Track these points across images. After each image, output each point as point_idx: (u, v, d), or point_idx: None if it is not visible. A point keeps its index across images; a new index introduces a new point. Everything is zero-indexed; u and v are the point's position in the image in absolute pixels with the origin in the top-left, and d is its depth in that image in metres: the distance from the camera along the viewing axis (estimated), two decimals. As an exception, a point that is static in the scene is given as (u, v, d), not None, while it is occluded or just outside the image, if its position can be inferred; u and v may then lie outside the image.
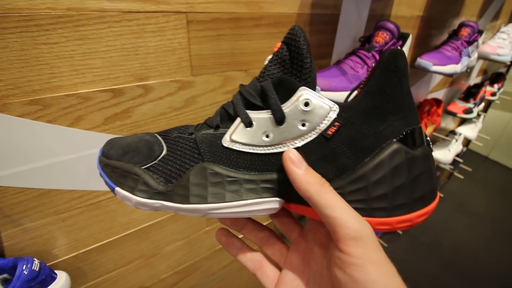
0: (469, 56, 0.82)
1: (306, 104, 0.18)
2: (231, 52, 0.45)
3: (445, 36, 0.87)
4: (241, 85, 0.22)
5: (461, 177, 1.58)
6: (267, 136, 0.19)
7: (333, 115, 0.18)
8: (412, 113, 0.19)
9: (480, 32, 0.83)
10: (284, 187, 0.20)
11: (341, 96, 0.49)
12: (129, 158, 0.21)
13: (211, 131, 0.21)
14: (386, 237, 1.37)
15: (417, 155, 0.19)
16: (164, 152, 0.21)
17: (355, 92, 0.21)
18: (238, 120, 0.20)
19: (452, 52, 0.78)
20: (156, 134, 0.23)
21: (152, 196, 0.20)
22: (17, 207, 0.37)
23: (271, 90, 0.19)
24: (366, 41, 0.57)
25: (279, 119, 0.19)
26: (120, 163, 0.21)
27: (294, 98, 0.19)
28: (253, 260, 0.23)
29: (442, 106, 1.02)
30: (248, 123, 0.20)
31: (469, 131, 1.36)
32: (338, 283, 0.16)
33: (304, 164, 0.18)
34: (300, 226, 0.25)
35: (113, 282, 0.53)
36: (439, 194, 0.20)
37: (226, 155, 0.20)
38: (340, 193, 0.18)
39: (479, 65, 1.33)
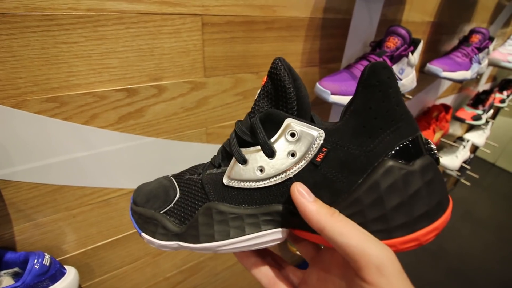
0: (479, 63, 0.82)
1: (293, 135, 0.19)
2: (243, 54, 0.45)
3: (455, 42, 0.87)
4: (237, 122, 0.22)
5: (468, 184, 1.56)
6: (261, 171, 0.20)
7: (319, 141, 0.18)
8: (405, 123, 0.18)
9: (491, 39, 0.83)
10: (285, 217, 0.20)
11: (352, 100, 0.49)
12: (151, 204, 0.23)
13: (214, 170, 0.22)
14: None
15: (413, 170, 0.17)
16: (178, 195, 0.23)
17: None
18: (234, 158, 0.20)
19: (462, 58, 0.78)
20: (171, 178, 0.25)
21: (170, 238, 0.22)
22: (30, 202, 0.38)
23: (258, 126, 0.19)
24: (377, 46, 0.57)
25: (269, 153, 0.19)
26: (144, 209, 0.23)
27: (280, 130, 0.19)
28: (267, 276, 0.23)
29: (450, 112, 1.01)
30: (243, 161, 0.20)
31: (477, 137, 1.35)
32: None
33: (312, 196, 0.18)
34: (317, 247, 0.25)
35: (119, 279, 0.53)
36: (451, 204, 0.19)
37: (228, 193, 0.21)
38: None
39: (488, 72, 1.32)
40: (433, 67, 0.71)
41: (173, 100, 0.42)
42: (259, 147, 0.19)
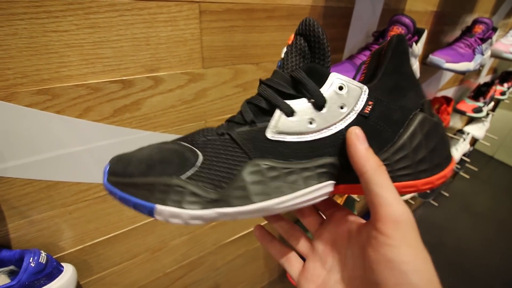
0: (482, 54, 0.80)
1: (341, 88, 0.20)
2: (243, 44, 0.44)
3: (458, 32, 0.85)
4: (265, 80, 0.21)
5: (467, 176, 1.56)
6: (310, 123, 0.20)
7: (365, 96, 0.20)
8: (420, 87, 0.22)
9: (495, 29, 0.81)
10: (335, 169, 0.21)
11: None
12: (160, 171, 0.18)
13: (246, 127, 0.20)
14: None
15: (437, 121, 0.22)
16: (201, 157, 0.19)
17: (358, 77, 0.24)
18: (278, 111, 0.20)
19: (465, 49, 0.76)
20: (178, 142, 0.21)
21: (206, 205, 0.18)
22: (24, 199, 0.36)
23: (306, 78, 0.19)
24: (379, 36, 0.55)
25: (321, 103, 0.19)
26: (150, 178, 0.18)
27: (327, 83, 0.20)
28: (281, 252, 0.25)
29: (452, 104, 1.00)
30: (291, 112, 0.20)
31: (477, 130, 1.35)
32: (370, 263, 0.17)
33: (366, 143, 0.19)
34: (321, 218, 0.27)
35: (118, 275, 0.52)
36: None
37: (274, 148, 0.19)
38: (387, 164, 0.20)
39: (489, 64, 1.30)
40: (436, 58, 0.70)
41: (170, 92, 0.41)
42: (304, 99, 0.20)
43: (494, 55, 0.95)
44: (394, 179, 0.19)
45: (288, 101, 0.20)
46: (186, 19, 0.37)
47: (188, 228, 0.58)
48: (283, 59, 0.21)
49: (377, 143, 0.20)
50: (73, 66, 0.32)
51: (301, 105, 0.20)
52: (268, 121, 0.20)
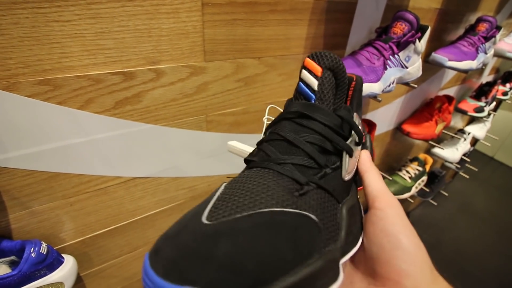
0: (485, 53, 0.80)
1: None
2: (245, 38, 0.44)
3: (461, 31, 0.85)
4: (320, 118, 0.20)
5: (467, 177, 1.56)
6: (355, 157, 0.22)
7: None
8: None
9: (498, 28, 0.81)
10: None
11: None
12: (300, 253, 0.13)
13: (322, 172, 0.19)
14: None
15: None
16: (317, 220, 0.16)
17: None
18: (345, 154, 0.21)
19: (468, 47, 0.76)
20: (286, 211, 0.15)
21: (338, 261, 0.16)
22: (25, 190, 0.37)
23: (352, 120, 0.21)
24: (383, 32, 0.55)
25: (360, 142, 0.22)
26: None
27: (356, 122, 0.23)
28: None
29: (453, 103, 1.00)
30: (352, 154, 0.22)
31: (478, 130, 1.34)
32: (370, 236, 0.20)
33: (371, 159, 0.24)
34: None
35: (118, 268, 0.53)
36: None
37: (347, 187, 0.22)
38: None
39: (491, 63, 1.30)
40: (438, 56, 0.69)
41: (171, 85, 0.40)
42: (351, 139, 0.22)
43: (497, 54, 0.94)
44: None
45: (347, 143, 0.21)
46: (188, 11, 0.37)
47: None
48: (316, 92, 0.21)
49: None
50: (75, 57, 0.32)
51: (351, 145, 0.22)
52: (334, 162, 0.21)
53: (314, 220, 0.15)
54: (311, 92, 0.21)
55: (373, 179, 0.22)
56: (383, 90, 0.51)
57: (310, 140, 0.19)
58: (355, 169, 0.23)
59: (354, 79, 0.23)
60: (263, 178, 0.17)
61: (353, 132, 0.22)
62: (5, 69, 0.29)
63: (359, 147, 0.23)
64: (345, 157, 0.21)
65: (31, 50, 0.30)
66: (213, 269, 0.11)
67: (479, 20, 0.80)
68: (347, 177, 0.21)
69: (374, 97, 0.52)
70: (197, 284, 0.11)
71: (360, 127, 0.23)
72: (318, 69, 0.20)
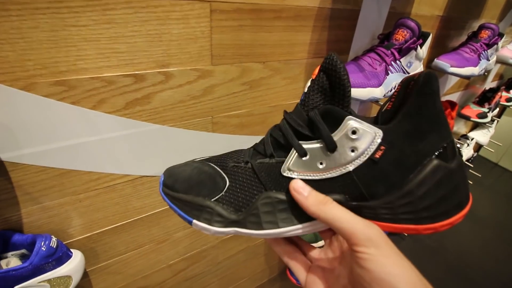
0: (487, 59, 0.81)
1: (354, 132, 0.20)
2: (251, 43, 0.45)
3: (464, 37, 0.86)
4: (287, 113, 0.23)
5: (470, 182, 1.55)
6: (321, 164, 0.21)
7: (378, 140, 0.20)
8: (444, 128, 0.21)
9: (501, 35, 0.82)
10: (343, 204, 0.22)
11: (358, 92, 0.49)
12: (196, 191, 0.23)
13: (266, 160, 0.23)
14: (390, 238, 1.36)
15: (453, 168, 0.20)
16: (228, 183, 0.23)
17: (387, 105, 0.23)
18: (293, 151, 0.22)
19: (470, 54, 0.77)
20: (213, 165, 0.25)
21: (228, 225, 0.22)
22: (38, 185, 0.38)
23: (320, 122, 0.20)
24: (385, 38, 0.56)
25: (331, 148, 0.20)
26: (190, 196, 0.23)
27: (342, 127, 0.20)
28: (287, 251, 0.26)
29: (456, 109, 1.00)
30: (303, 154, 0.21)
31: (481, 136, 1.34)
32: (358, 277, 0.19)
33: (307, 189, 0.21)
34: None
35: (123, 264, 0.54)
36: (471, 197, 0.22)
37: (286, 183, 0.22)
38: (390, 207, 0.20)
39: (495, 70, 1.30)
40: (441, 62, 0.70)
41: (180, 87, 0.42)
42: (317, 141, 0.21)
43: (500, 61, 0.95)
44: (395, 220, 0.20)
45: (302, 142, 0.21)
46: (197, 17, 0.38)
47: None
48: (305, 94, 0.22)
49: (383, 186, 0.21)
50: (90, 60, 0.34)
51: (313, 147, 0.21)
52: (285, 156, 0.22)
53: (224, 178, 0.24)
54: (303, 93, 0.23)
55: (329, 221, 0.19)
56: (384, 95, 0.52)
57: (274, 134, 0.23)
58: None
59: (415, 77, 0.20)
60: (236, 152, 0.26)
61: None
62: (24, 70, 0.31)
63: (336, 154, 0.21)
64: (292, 154, 0.22)
65: (49, 53, 0.32)
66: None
67: (482, 27, 0.80)
68: (286, 173, 0.22)
69: (376, 101, 0.53)
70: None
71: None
72: (315, 72, 0.22)
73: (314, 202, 0.20)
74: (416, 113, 0.20)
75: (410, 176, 0.20)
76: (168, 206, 0.24)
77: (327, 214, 0.19)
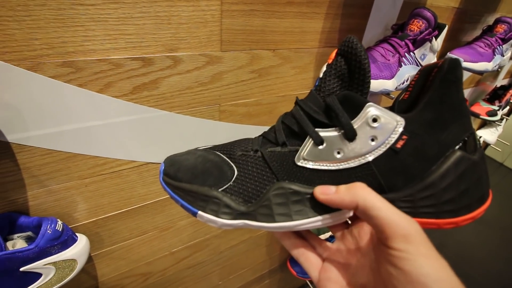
0: (502, 55, 0.78)
1: (375, 120, 0.19)
2: (262, 29, 0.44)
3: (478, 31, 0.83)
4: (301, 100, 0.22)
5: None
6: (338, 153, 0.20)
7: (400, 129, 0.19)
8: (467, 118, 0.20)
9: (517, 30, 0.79)
10: None
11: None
12: (202, 181, 0.22)
13: (278, 148, 0.22)
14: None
15: (476, 160, 0.19)
16: (236, 173, 0.22)
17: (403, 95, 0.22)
18: (309, 139, 0.20)
19: (485, 49, 0.74)
20: (218, 153, 0.23)
21: (236, 217, 0.21)
22: (44, 168, 0.38)
23: (339, 108, 0.19)
24: (399, 29, 0.54)
25: (351, 136, 0.19)
26: (194, 186, 0.21)
27: (362, 114, 0.19)
28: (296, 245, 0.24)
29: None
30: (320, 142, 0.20)
31: (489, 135, 1.32)
32: (389, 277, 0.17)
33: (331, 188, 0.19)
34: (346, 224, 0.25)
35: (126, 250, 0.54)
36: (491, 195, 0.21)
37: (300, 173, 0.21)
38: (410, 200, 0.19)
39: (507, 67, 1.27)
40: (454, 56, 0.68)
41: (188, 73, 0.41)
42: (335, 129, 0.20)
43: (514, 57, 0.92)
44: (415, 214, 0.19)
45: (318, 130, 0.20)
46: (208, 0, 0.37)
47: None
48: (321, 79, 0.21)
49: (403, 178, 0.19)
50: (97, 41, 0.33)
51: (331, 135, 0.20)
52: (299, 145, 0.21)
53: (232, 167, 0.22)
54: (317, 79, 0.21)
55: (367, 210, 0.17)
56: (396, 88, 0.51)
57: (286, 121, 0.22)
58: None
59: (439, 64, 0.19)
60: (242, 141, 0.24)
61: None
62: (31, 49, 0.30)
63: (355, 143, 0.19)
64: (307, 142, 0.20)
65: (56, 32, 0.31)
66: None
67: (498, 21, 0.78)
68: (300, 162, 0.20)
69: (387, 94, 0.52)
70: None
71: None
72: (332, 56, 0.21)
73: (345, 189, 0.18)
74: (439, 102, 0.19)
75: (432, 167, 0.19)
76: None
77: (364, 200, 0.17)
